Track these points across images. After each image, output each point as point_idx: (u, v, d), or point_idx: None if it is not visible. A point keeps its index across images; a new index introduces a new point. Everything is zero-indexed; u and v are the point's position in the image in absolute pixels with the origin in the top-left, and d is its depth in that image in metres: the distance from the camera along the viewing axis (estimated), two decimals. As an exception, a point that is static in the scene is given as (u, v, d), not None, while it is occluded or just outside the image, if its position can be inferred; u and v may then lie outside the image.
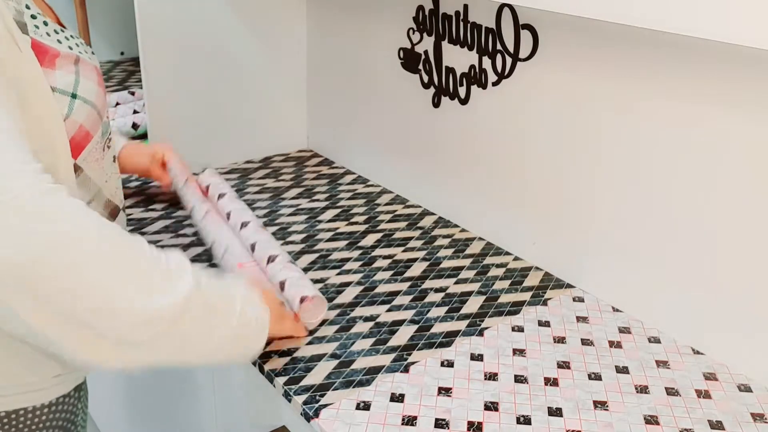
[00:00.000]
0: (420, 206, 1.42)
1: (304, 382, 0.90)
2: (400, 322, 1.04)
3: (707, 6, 0.72)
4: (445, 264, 1.20)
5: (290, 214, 1.36)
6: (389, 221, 1.35)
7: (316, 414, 0.85)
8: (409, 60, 1.35)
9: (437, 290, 1.13)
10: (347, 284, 1.13)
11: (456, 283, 1.15)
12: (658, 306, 1.04)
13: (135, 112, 1.69)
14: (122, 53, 2.36)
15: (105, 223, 0.68)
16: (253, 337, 0.84)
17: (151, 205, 1.36)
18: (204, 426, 1.22)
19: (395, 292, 1.11)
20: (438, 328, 1.03)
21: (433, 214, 1.39)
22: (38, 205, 0.62)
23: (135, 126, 1.65)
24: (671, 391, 0.92)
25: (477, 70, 1.22)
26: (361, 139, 1.54)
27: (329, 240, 1.27)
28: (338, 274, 1.16)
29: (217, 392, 1.15)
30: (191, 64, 1.46)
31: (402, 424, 0.85)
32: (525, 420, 0.86)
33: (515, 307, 1.09)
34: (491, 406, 0.88)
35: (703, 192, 0.95)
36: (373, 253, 1.23)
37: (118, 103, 1.76)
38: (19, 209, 0.61)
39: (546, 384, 0.92)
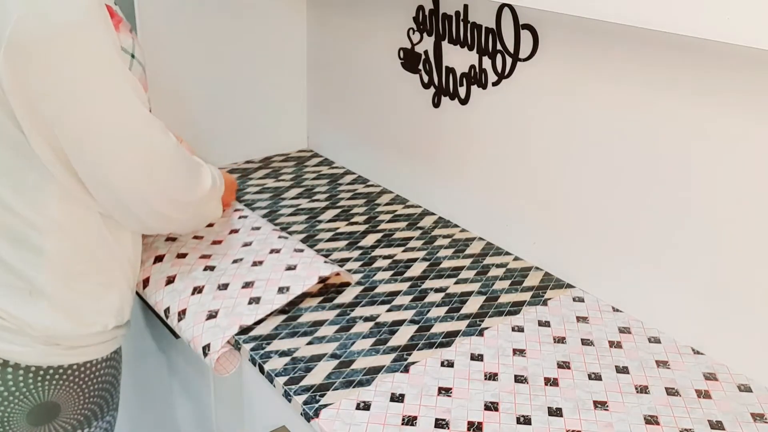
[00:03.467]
0: (420, 206, 1.42)
1: (304, 382, 0.90)
2: (400, 322, 1.04)
3: (708, 6, 0.72)
4: (445, 264, 1.20)
5: (290, 214, 1.36)
6: (389, 221, 1.35)
7: (316, 414, 0.85)
8: (409, 60, 1.35)
9: (437, 290, 1.13)
10: (347, 284, 1.13)
11: (456, 283, 1.15)
12: (658, 306, 1.04)
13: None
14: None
15: (178, 145, 0.95)
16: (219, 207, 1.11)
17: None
18: (204, 426, 1.22)
19: (395, 292, 1.11)
20: (438, 328, 1.03)
21: (433, 214, 1.39)
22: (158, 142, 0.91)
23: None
24: (671, 391, 0.92)
25: (477, 70, 1.22)
26: (361, 139, 1.54)
27: (329, 240, 1.27)
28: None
29: (216, 392, 1.15)
30: (191, 65, 1.46)
31: (402, 424, 0.84)
32: (525, 420, 0.86)
33: (515, 307, 1.09)
34: (491, 406, 0.88)
35: (704, 192, 0.95)
36: (373, 253, 1.23)
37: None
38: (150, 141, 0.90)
39: (546, 384, 0.92)
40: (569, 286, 1.15)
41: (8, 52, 0.76)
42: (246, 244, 1.18)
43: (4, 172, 0.85)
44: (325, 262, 1.12)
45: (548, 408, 0.88)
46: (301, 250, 1.16)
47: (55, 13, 0.78)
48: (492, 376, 0.93)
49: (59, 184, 0.87)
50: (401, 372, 0.93)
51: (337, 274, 1.11)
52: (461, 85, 1.25)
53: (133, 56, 0.91)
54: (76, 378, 0.94)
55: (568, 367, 0.96)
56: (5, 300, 0.88)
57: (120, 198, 0.89)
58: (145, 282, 1.10)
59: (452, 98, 1.28)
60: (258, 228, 1.24)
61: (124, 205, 0.91)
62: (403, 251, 1.24)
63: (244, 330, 1.00)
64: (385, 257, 1.22)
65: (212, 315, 1.00)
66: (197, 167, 1.01)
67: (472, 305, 1.09)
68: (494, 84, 1.19)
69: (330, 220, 1.34)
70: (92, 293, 0.94)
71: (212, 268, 1.11)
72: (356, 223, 1.34)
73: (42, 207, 0.87)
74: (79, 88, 0.81)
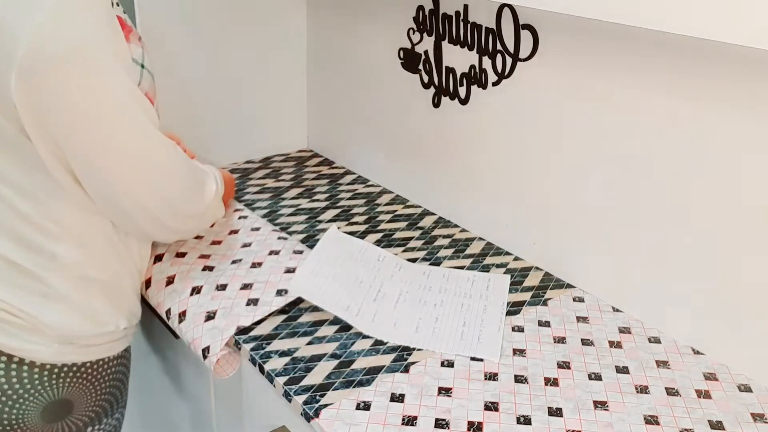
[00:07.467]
0: (420, 206, 1.42)
1: (304, 382, 0.90)
2: (400, 322, 1.04)
3: (707, 6, 0.72)
4: (445, 264, 1.20)
5: (290, 214, 1.36)
6: (389, 221, 1.35)
7: (316, 414, 0.85)
8: (409, 60, 1.35)
9: (437, 290, 1.12)
10: (347, 284, 1.13)
11: (456, 283, 1.15)
12: (658, 306, 1.04)
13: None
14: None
15: (186, 160, 0.98)
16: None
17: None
18: (204, 426, 1.22)
19: (395, 292, 1.11)
20: (438, 328, 1.03)
21: (433, 214, 1.39)
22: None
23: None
24: (671, 391, 0.92)
25: (477, 70, 1.22)
26: (361, 139, 1.54)
27: (329, 240, 1.27)
28: (338, 274, 1.16)
29: (216, 392, 1.15)
30: (191, 65, 1.46)
31: (402, 424, 0.84)
32: (525, 420, 0.86)
33: (515, 307, 1.09)
34: (491, 406, 0.88)
35: (705, 193, 0.95)
36: (373, 253, 1.23)
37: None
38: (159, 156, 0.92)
39: (546, 384, 0.92)
40: (569, 286, 1.15)
41: (20, 73, 0.78)
42: (245, 245, 1.18)
43: (20, 185, 0.88)
44: None
45: (548, 408, 0.88)
46: (301, 252, 1.16)
47: (66, 37, 0.79)
48: (492, 376, 0.93)
49: (72, 195, 0.89)
50: (401, 372, 0.93)
51: None
52: (461, 85, 1.25)
53: (143, 66, 0.92)
54: (89, 375, 0.96)
55: (568, 367, 0.96)
56: (20, 300, 0.90)
57: (128, 214, 0.92)
58: (147, 283, 1.10)
59: (452, 98, 1.28)
60: (257, 228, 1.24)
61: (133, 221, 0.93)
62: (403, 251, 1.24)
63: (244, 330, 1.00)
64: (385, 257, 1.22)
65: (210, 316, 1.00)
66: (203, 178, 1.03)
67: (472, 305, 1.09)
68: (494, 84, 1.19)
69: (330, 220, 1.34)
70: (104, 296, 0.96)
71: (211, 269, 1.11)
72: (356, 223, 1.34)
73: (56, 217, 0.89)
74: (87, 109, 0.82)
